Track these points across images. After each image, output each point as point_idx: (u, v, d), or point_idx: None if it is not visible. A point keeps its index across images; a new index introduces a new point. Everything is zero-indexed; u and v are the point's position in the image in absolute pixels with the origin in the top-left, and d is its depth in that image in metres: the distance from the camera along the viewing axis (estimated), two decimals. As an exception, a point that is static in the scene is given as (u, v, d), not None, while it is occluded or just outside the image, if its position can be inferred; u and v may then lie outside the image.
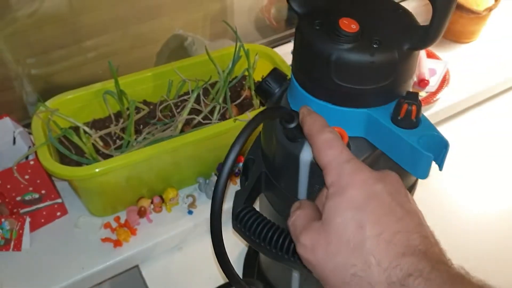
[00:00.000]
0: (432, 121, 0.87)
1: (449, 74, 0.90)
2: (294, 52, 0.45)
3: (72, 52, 0.84)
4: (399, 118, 0.41)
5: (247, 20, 1.06)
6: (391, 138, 0.41)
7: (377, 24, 0.41)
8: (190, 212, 0.73)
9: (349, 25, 0.39)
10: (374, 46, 0.39)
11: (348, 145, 0.43)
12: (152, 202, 0.72)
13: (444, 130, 0.87)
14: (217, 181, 0.39)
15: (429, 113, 0.86)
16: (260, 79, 0.81)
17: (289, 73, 0.73)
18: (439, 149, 0.40)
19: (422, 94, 0.87)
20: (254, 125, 0.39)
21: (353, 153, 0.43)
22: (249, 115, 0.67)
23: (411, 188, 0.49)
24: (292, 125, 0.43)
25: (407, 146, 0.40)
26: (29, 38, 0.79)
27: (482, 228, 0.76)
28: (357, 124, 0.43)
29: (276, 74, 0.51)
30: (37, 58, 0.81)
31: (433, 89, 0.88)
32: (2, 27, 0.75)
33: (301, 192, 0.47)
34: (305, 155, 0.44)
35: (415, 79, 0.42)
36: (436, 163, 0.41)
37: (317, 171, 0.44)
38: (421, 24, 0.42)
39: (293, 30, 1.05)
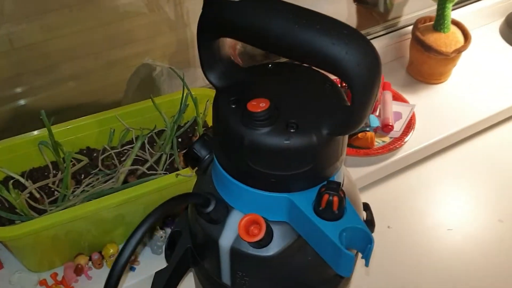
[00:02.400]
0: (397, 167, 0.83)
1: (415, 118, 0.86)
2: (213, 128, 0.41)
3: (44, 79, 0.81)
4: (320, 208, 0.37)
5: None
6: (312, 228, 0.37)
7: (297, 104, 0.37)
8: (132, 269, 0.69)
9: (257, 105, 0.35)
10: (291, 130, 0.35)
11: (269, 231, 0.39)
12: (90, 259, 0.67)
13: (409, 177, 0.86)
14: (108, 278, 0.34)
15: (393, 159, 0.83)
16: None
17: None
18: (363, 245, 0.36)
19: (386, 140, 0.84)
20: (156, 217, 0.35)
21: (276, 239, 0.40)
22: (191, 170, 0.63)
23: (338, 283, 0.44)
24: (209, 209, 0.39)
25: (327, 239, 0.36)
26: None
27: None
28: (279, 209, 0.39)
29: (205, 140, 0.47)
30: (6, 87, 0.78)
31: (398, 135, 0.84)
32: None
33: (224, 276, 0.43)
34: (225, 241, 0.40)
35: (340, 163, 0.39)
36: (362, 257, 0.37)
37: (238, 258, 0.41)
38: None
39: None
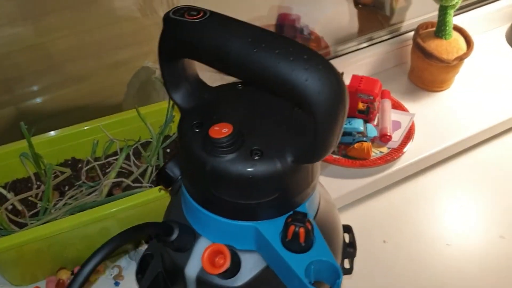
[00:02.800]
0: (394, 179, 0.80)
1: (415, 128, 0.83)
2: (179, 149, 0.39)
3: (45, 81, 0.80)
4: (287, 240, 0.34)
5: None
6: (279, 259, 0.35)
7: (264, 129, 0.35)
8: (116, 284, 0.67)
9: (220, 131, 0.33)
10: (255, 157, 0.33)
11: (236, 261, 0.37)
12: (72, 273, 0.66)
13: (407, 189, 0.83)
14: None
15: (390, 171, 0.80)
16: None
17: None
18: (332, 279, 0.34)
19: (384, 150, 0.81)
20: (109, 249, 0.33)
21: (244, 268, 0.37)
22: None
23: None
24: (173, 238, 0.37)
25: (293, 272, 0.34)
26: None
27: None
28: (247, 238, 0.37)
29: (178, 160, 0.45)
30: (9, 90, 0.77)
31: (396, 145, 0.81)
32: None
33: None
34: (191, 270, 0.38)
35: (311, 189, 0.36)
36: (333, 292, 0.35)
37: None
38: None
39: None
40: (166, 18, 0.33)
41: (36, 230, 0.59)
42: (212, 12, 0.32)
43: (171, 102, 0.68)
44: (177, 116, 0.71)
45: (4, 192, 0.65)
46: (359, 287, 0.69)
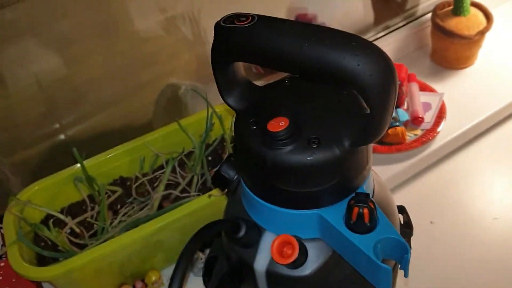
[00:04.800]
0: (433, 159, 0.80)
1: (446, 107, 0.84)
2: (234, 150, 0.41)
3: (74, 113, 0.83)
4: (351, 222, 0.36)
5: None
6: (345, 243, 0.37)
7: (317, 118, 0.37)
8: (177, 292, 0.69)
9: (277, 125, 0.35)
10: (313, 146, 0.35)
11: (303, 250, 0.39)
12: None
13: (447, 166, 0.83)
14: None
15: (427, 152, 0.80)
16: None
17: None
18: (399, 255, 0.35)
19: (418, 133, 0.82)
20: (191, 251, 0.35)
21: (311, 257, 0.39)
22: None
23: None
24: (240, 234, 0.39)
25: (362, 254, 0.35)
26: (30, 106, 0.77)
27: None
28: (311, 226, 0.39)
29: (231, 161, 0.47)
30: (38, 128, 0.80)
31: (429, 126, 0.82)
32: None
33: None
34: (259, 264, 0.40)
35: (367, 171, 0.38)
36: (401, 268, 0.36)
37: (275, 280, 0.40)
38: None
39: (282, 75, 1.02)
40: (218, 26, 0.35)
41: (97, 249, 0.62)
42: (259, 16, 0.34)
43: (210, 111, 0.71)
44: (216, 124, 0.73)
45: (62, 217, 0.67)
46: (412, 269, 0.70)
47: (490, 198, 0.78)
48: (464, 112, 0.85)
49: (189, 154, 0.74)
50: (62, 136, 0.81)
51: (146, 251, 0.67)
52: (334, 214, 0.37)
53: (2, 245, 0.66)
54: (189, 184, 0.71)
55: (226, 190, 0.47)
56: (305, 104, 0.38)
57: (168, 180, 0.71)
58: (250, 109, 0.39)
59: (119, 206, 0.71)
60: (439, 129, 0.81)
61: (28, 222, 0.64)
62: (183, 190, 0.70)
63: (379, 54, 0.31)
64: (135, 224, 0.66)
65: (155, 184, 0.72)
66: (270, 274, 0.39)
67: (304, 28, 0.32)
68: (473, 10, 0.89)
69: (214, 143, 0.74)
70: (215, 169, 0.71)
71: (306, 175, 0.35)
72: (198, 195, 0.69)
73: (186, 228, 0.67)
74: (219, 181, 0.47)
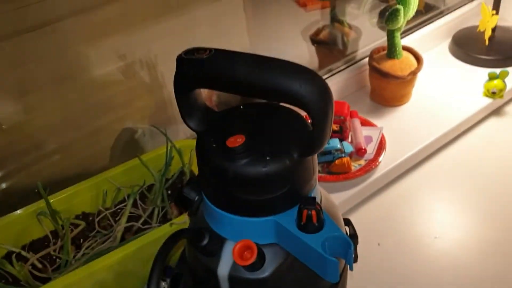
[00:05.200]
0: (376, 186, 0.88)
1: (385, 139, 0.92)
2: (198, 167, 0.46)
3: (28, 158, 0.84)
4: (302, 224, 0.41)
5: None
6: (298, 243, 0.42)
7: (268, 136, 0.43)
8: (140, 323, 0.70)
9: (235, 141, 0.40)
10: (267, 158, 0.40)
11: (261, 254, 0.43)
12: (98, 319, 0.69)
13: (390, 193, 0.91)
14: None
15: (371, 179, 0.88)
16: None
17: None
18: (344, 250, 0.41)
19: (362, 163, 0.89)
20: (161, 259, 0.39)
21: (269, 260, 0.43)
22: (186, 217, 0.67)
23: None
24: (204, 242, 0.43)
25: (312, 251, 0.40)
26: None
27: None
28: (268, 232, 0.44)
29: (193, 182, 0.52)
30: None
31: (371, 156, 0.90)
32: None
33: (226, 305, 0.47)
34: (222, 270, 0.44)
35: (314, 181, 0.43)
36: (346, 263, 0.41)
37: (237, 284, 0.44)
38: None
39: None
40: (180, 59, 0.41)
41: (60, 280, 0.63)
42: (216, 49, 0.40)
43: (170, 147, 0.75)
44: (175, 158, 0.77)
45: (24, 253, 0.69)
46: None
47: (430, 220, 0.86)
48: (401, 144, 0.94)
49: (150, 188, 0.77)
50: (16, 180, 0.82)
51: (110, 284, 0.68)
52: (287, 219, 0.42)
53: (-37, 283, 0.66)
54: (150, 216, 0.74)
55: (188, 210, 0.52)
56: (258, 124, 0.44)
57: (130, 212, 0.74)
58: (210, 130, 0.44)
59: (81, 240, 0.73)
60: (380, 159, 0.89)
61: (-8, 257, 0.65)
62: (145, 222, 0.73)
63: (316, 77, 0.37)
64: (98, 255, 0.68)
65: (117, 218, 0.75)
66: (232, 278, 0.43)
67: (255, 58, 0.39)
68: (405, 54, 1.00)
69: (173, 176, 0.78)
70: (174, 200, 0.75)
71: (262, 184, 0.41)
72: (160, 225, 0.73)
73: (149, 258, 0.69)
74: (182, 201, 0.51)
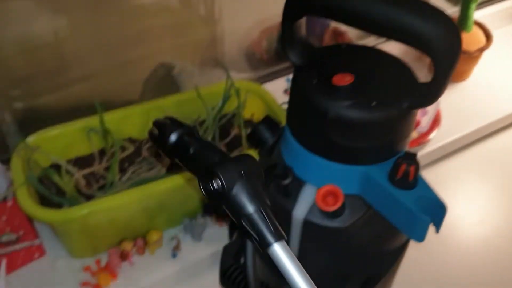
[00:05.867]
0: (424, 161, 0.85)
1: (441, 114, 0.89)
2: (289, 103, 0.43)
3: (57, 80, 0.82)
4: (396, 178, 0.39)
5: (236, 51, 1.05)
6: (387, 198, 0.39)
7: (376, 80, 0.40)
8: (174, 255, 0.70)
9: (342, 79, 0.37)
10: (373, 103, 0.38)
11: (344, 203, 0.41)
12: (135, 245, 0.69)
13: (436, 170, 0.88)
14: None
15: (420, 154, 0.85)
16: (250, 118, 0.79)
17: (280, 113, 0.71)
18: (436, 212, 0.39)
19: (414, 135, 0.86)
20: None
21: (348, 212, 0.42)
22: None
23: (402, 248, 0.46)
24: (286, 182, 0.41)
25: (403, 207, 0.38)
26: (12, 65, 0.76)
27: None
28: (353, 181, 0.41)
29: (268, 122, 0.49)
30: (20, 86, 0.79)
31: (425, 130, 0.87)
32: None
33: (292, 249, 0.45)
34: (298, 212, 0.42)
35: (409, 140, 0.41)
36: (434, 225, 0.39)
37: (310, 229, 0.42)
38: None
39: (284, 65, 1.04)
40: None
41: (104, 201, 0.62)
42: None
43: (229, 84, 0.72)
44: (233, 96, 0.74)
45: (70, 168, 0.67)
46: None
47: (472, 204, 0.83)
48: (456, 123, 0.91)
49: (201, 124, 0.75)
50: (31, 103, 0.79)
51: (150, 210, 0.67)
52: (379, 171, 0.40)
53: (8, 186, 0.65)
54: (199, 151, 0.72)
55: (259, 149, 0.50)
56: (365, 67, 0.41)
57: (179, 145, 0.72)
58: (310, 65, 0.41)
59: (126, 165, 0.71)
60: (432, 134, 0.86)
61: (39, 166, 0.63)
62: (192, 157, 0.72)
63: (449, 21, 0.34)
64: (144, 182, 0.66)
65: (165, 148, 0.73)
66: (307, 222, 0.42)
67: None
68: (475, 29, 0.95)
69: (227, 115, 0.76)
70: (226, 140, 0.73)
71: (363, 130, 0.38)
72: (207, 163, 0.71)
73: (192, 194, 0.68)
74: (255, 139, 0.49)
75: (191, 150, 0.37)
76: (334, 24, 1.07)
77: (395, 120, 0.38)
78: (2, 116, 0.77)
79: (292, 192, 0.42)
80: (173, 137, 0.39)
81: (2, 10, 0.68)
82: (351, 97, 0.37)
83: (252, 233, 0.31)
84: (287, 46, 0.41)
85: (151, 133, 0.41)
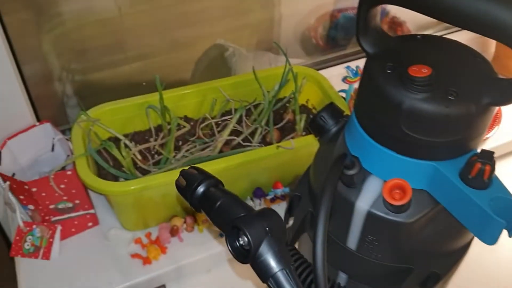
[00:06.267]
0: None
1: (501, 112, 0.86)
2: (359, 92, 0.42)
3: (114, 55, 0.84)
4: (469, 176, 0.37)
5: (293, 36, 1.04)
6: (457, 196, 0.38)
7: (454, 73, 0.38)
8: (222, 235, 0.71)
9: (419, 70, 0.36)
10: (450, 97, 0.36)
11: (411, 198, 0.40)
12: (185, 222, 0.70)
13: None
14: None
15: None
16: (305, 103, 0.79)
17: (338, 101, 0.70)
18: (510, 215, 0.37)
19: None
20: (333, 185, 0.38)
21: (413, 207, 0.41)
22: (292, 142, 0.65)
23: (466, 248, 0.45)
24: (352, 172, 0.41)
25: (475, 207, 0.37)
26: (72, 38, 0.78)
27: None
28: (421, 177, 0.40)
29: (332, 109, 0.48)
30: (80, 60, 0.81)
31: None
32: (48, 29, 0.74)
33: (351, 241, 0.45)
34: (362, 204, 0.42)
35: (483, 137, 0.39)
36: (507, 229, 0.37)
37: (373, 222, 0.42)
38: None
39: (339, 53, 1.03)
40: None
41: (159, 176, 0.63)
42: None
43: (287, 68, 0.72)
44: (289, 81, 0.74)
45: (127, 142, 0.69)
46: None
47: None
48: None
49: (256, 107, 0.75)
50: (84, 77, 0.81)
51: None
52: (450, 168, 0.38)
53: (67, 155, 0.67)
54: (251, 135, 0.72)
55: (319, 136, 0.49)
56: (442, 59, 0.39)
57: (233, 127, 0.72)
58: (383, 54, 0.40)
59: (180, 143, 0.72)
60: (491, 133, 0.83)
61: (98, 137, 0.65)
62: (245, 139, 0.72)
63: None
64: (199, 161, 0.67)
65: (218, 129, 0.73)
66: (371, 214, 0.41)
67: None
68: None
69: (283, 100, 0.76)
70: (279, 125, 0.73)
71: (437, 125, 0.37)
72: (260, 146, 0.71)
73: (242, 175, 0.69)
74: (316, 126, 0.48)
75: (217, 204, 0.38)
76: (392, 14, 1.05)
77: (473, 117, 0.36)
78: (63, 88, 0.79)
79: (356, 183, 0.42)
80: (200, 189, 0.40)
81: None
82: (428, 89, 0.36)
83: None
84: (360, 33, 0.40)
85: (178, 184, 0.42)
